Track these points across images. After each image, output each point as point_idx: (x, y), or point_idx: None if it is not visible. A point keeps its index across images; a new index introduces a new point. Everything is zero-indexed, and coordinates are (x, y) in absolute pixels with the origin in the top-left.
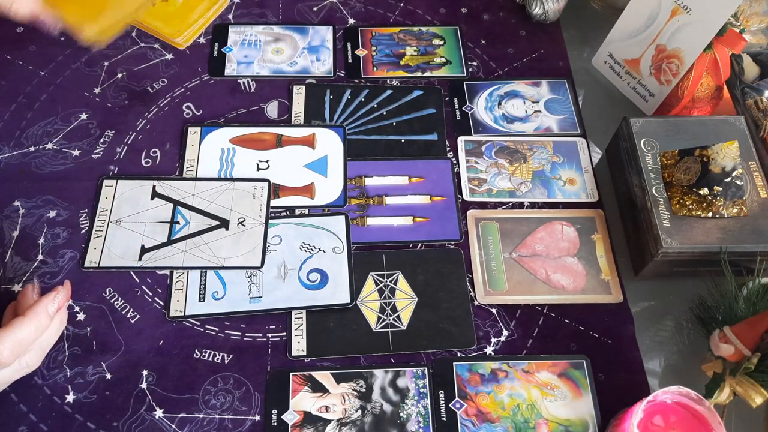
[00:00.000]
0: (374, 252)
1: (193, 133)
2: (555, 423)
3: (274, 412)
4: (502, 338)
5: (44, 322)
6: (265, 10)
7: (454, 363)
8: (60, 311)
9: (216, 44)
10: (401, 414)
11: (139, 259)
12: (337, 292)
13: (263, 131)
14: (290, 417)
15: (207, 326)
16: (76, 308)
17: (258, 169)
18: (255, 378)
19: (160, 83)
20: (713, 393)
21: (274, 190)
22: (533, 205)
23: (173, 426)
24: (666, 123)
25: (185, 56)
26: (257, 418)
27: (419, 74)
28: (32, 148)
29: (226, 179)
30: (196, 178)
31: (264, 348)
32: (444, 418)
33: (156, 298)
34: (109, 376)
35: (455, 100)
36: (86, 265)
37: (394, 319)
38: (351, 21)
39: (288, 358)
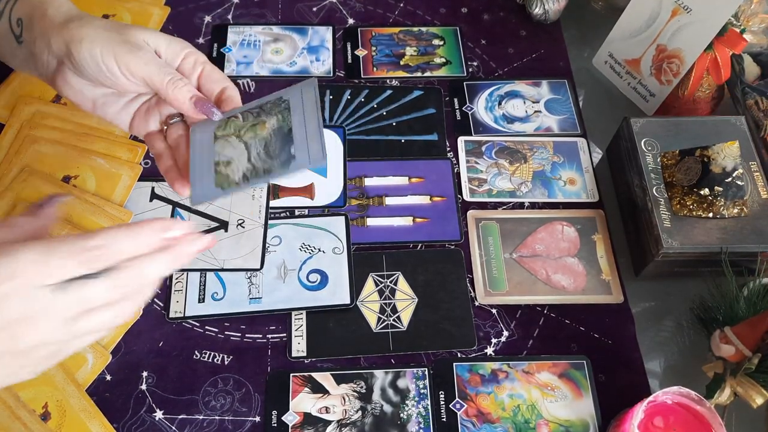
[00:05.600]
0: (374, 252)
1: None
2: (555, 424)
3: (274, 413)
4: (503, 339)
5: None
6: (265, 10)
7: (454, 363)
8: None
9: (215, 45)
10: (401, 415)
11: None
12: (337, 293)
13: None
14: (290, 418)
15: (207, 327)
16: None
17: None
18: (255, 379)
19: None
20: (714, 393)
21: (274, 191)
22: (533, 206)
23: (173, 427)
24: (666, 123)
25: None
26: (257, 419)
27: (419, 74)
28: None
29: None
30: None
31: (264, 349)
32: (444, 419)
33: (155, 299)
34: (108, 377)
35: (455, 100)
36: None
37: (394, 320)
38: (351, 21)
39: (288, 359)
